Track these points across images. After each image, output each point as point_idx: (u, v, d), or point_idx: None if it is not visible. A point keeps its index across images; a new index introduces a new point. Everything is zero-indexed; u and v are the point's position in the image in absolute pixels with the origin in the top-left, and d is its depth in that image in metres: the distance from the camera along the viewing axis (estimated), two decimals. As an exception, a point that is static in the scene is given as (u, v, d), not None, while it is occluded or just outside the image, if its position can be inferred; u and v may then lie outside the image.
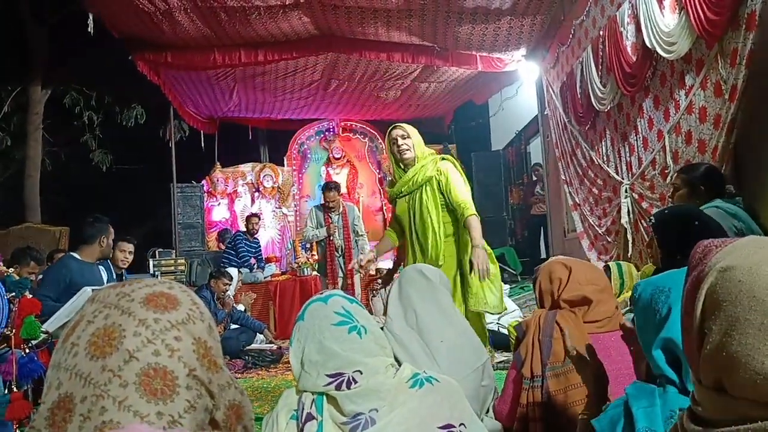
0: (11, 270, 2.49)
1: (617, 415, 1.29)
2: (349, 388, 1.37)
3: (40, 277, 4.45)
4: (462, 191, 3.42)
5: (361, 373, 1.39)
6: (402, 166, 3.53)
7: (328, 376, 1.38)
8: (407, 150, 3.45)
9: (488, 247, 3.42)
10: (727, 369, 0.69)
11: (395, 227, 3.65)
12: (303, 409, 1.38)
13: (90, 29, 5.90)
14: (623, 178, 5.11)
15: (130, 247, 4.51)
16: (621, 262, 4.28)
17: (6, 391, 2.09)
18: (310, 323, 1.46)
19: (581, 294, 2.09)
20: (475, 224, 3.30)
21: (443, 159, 3.54)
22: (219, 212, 10.53)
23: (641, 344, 1.37)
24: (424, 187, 3.42)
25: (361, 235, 6.48)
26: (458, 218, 3.41)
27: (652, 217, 2.51)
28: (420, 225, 3.41)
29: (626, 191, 4.98)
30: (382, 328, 2.21)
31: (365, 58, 7.60)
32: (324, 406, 1.37)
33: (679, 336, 1.09)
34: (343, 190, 9.87)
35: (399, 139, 3.45)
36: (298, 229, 10.80)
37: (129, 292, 0.77)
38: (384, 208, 10.61)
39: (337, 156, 11.03)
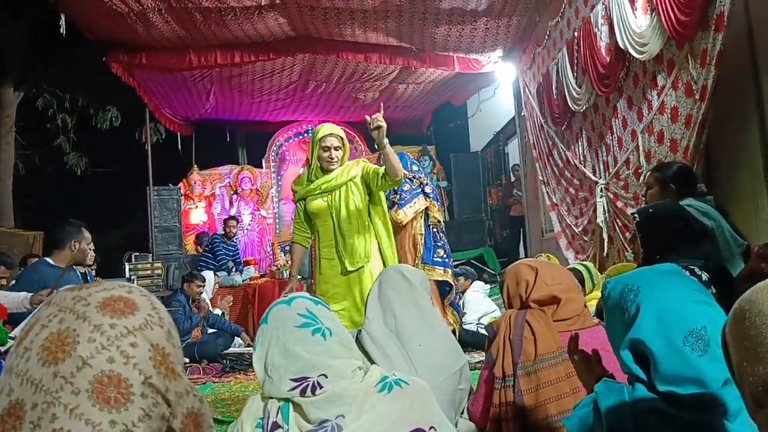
0: (-22, 275, 2.44)
1: (586, 414, 1.30)
2: (314, 393, 1.34)
3: (13, 282, 4.36)
4: None
5: (326, 377, 1.36)
6: (321, 169, 3.35)
7: (292, 380, 1.35)
8: (335, 162, 3.29)
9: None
10: None
11: (304, 227, 3.45)
12: (269, 417, 1.35)
13: (62, 30, 5.80)
14: (599, 178, 5.15)
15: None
16: (586, 263, 4.33)
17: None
18: (273, 326, 1.43)
19: (549, 293, 2.10)
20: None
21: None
22: (196, 215, 10.43)
23: (610, 341, 1.37)
24: (348, 185, 3.27)
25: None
26: (380, 186, 3.23)
27: (636, 215, 2.53)
28: (346, 223, 3.24)
29: (601, 191, 5.03)
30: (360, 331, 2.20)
31: (343, 59, 7.58)
32: (290, 413, 1.34)
33: (647, 336, 1.19)
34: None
35: (332, 150, 3.27)
36: (277, 231, 10.74)
37: (86, 296, 0.75)
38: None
39: (316, 157, 10.98)
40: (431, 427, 1.37)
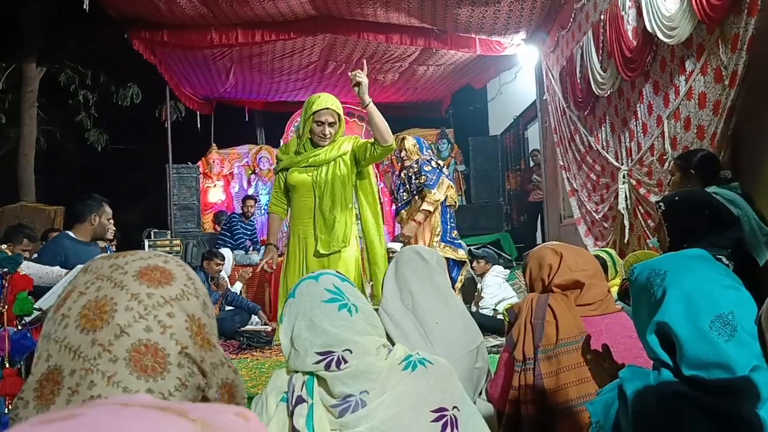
0: (4, 247, 2.47)
1: (611, 398, 1.29)
2: (338, 368, 1.35)
3: (35, 256, 4.43)
4: None
5: (351, 353, 1.36)
6: (311, 143, 3.14)
7: (317, 354, 1.36)
8: (327, 139, 3.09)
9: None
10: None
11: (281, 198, 3.25)
12: (293, 391, 1.36)
13: (86, 6, 5.82)
14: (621, 164, 5.09)
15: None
16: (609, 250, 4.29)
17: (-2, 368, 2.10)
18: (300, 300, 1.44)
19: (573, 279, 2.08)
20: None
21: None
22: (215, 194, 10.48)
23: (635, 326, 1.36)
24: (337, 161, 3.08)
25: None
26: (374, 156, 3.09)
27: (661, 203, 2.49)
28: (329, 201, 3.05)
29: (624, 177, 4.97)
30: (376, 310, 2.21)
31: (363, 40, 7.53)
32: (314, 387, 1.35)
33: (673, 320, 1.18)
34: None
35: (326, 126, 3.06)
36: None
37: (123, 264, 0.75)
38: (380, 191, 10.56)
39: (333, 139, 10.96)
40: (454, 407, 1.38)
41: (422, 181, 4.70)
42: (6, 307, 2.18)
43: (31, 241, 5.17)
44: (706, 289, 1.17)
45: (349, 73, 2.96)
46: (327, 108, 3.07)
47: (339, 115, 3.13)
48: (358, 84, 2.90)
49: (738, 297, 1.17)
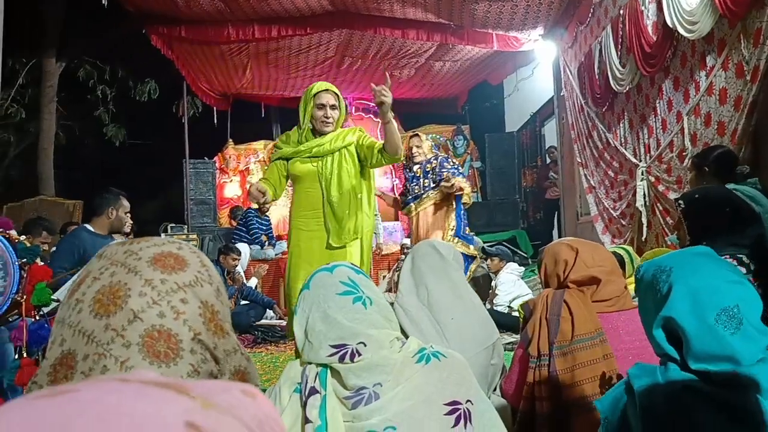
0: (23, 238, 2.50)
1: (619, 394, 1.29)
2: (352, 360, 1.34)
3: (53, 249, 4.48)
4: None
5: (365, 346, 1.35)
6: (312, 132, 3.07)
7: (331, 346, 1.35)
8: (330, 123, 3.00)
9: None
10: None
11: (273, 182, 3.10)
12: (306, 382, 1.36)
13: (104, 2, 5.86)
14: (640, 161, 5.03)
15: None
16: (626, 247, 4.24)
17: (16, 357, 2.11)
18: (314, 292, 1.43)
19: (589, 275, 2.06)
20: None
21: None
22: (231, 189, 10.54)
23: (642, 323, 1.35)
24: (342, 152, 3.00)
25: (375, 215, 6.45)
26: (375, 163, 3.03)
27: (680, 200, 2.45)
28: (336, 193, 2.98)
29: (642, 174, 4.91)
30: (392, 304, 2.20)
31: (380, 35, 7.51)
32: (328, 379, 1.35)
33: (679, 314, 1.18)
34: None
35: (328, 108, 2.97)
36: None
37: (137, 250, 0.75)
38: (395, 187, 10.56)
39: (349, 135, 10.95)
40: (468, 400, 1.37)
41: (444, 176, 4.69)
42: (24, 297, 2.20)
43: (49, 234, 5.24)
44: (712, 285, 1.18)
45: (373, 87, 2.81)
46: (327, 90, 3.00)
47: (338, 97, 3.06)
48: (382, 103, 2.78)
49: (743, 292, 1.18)
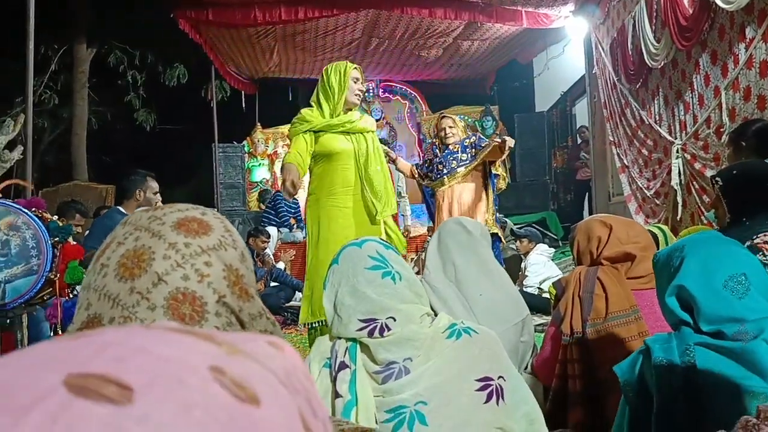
0: (55, 218, 2.54)
1: (636, 357, 1.35)
2: (382, 335, 1.32)
3: (87, 232, 4.56)
4: None
5: (395, 320, 1.34)
6: (342, 107, 3.13)
7: (360, 321, 1.34)
8: (361, 97, 3.19)
9: None
10: None
11: (305, 157, 3.07)
12: (336, 357, 1.35)
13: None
14: (675, 138, 4.90)
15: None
16: (661, 225, 4.12)
17: (52, 334, 2.16)
18: (344, 267, 1.41)
19: (623, 251, 2.00)
20: None
21: None
22: (260, 173, 10.61)
23: (660, 304, 1.36)
24: (368, 134, 3.13)
25: (404, 197, 6.41)
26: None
27: (718, 178, 2.37)
28: (374, 168, 3.07)
29: (677, 152, 4.78)
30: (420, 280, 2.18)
31: (407, 15, 7.42)
32: (357, 354, 1.34)
33: (690, 282, 1.26)
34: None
35: (360, 82, 3.15)
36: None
37: (160, 215, 0.75)
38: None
39: (376, 117, 10.92)
40: (500, 376, 1.34)
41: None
42: (58, 275, 2.23)
43: (83, 217, 5.34)
44: (720, 254, 1.28)
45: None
46: (356, 68, 3.16)
47: (362, 74, 3.23)
48: None
49: (750, 261, 1.28)
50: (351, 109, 3.14)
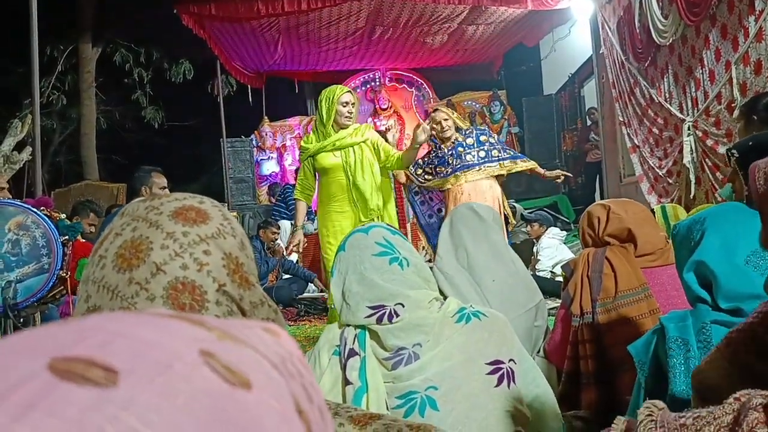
0: (63, 216, 2.55)
1: (650, 337, 1.34)
2: (390, 321, 1.32)
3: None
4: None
5: (403, 306, 1.33)
6: (334, 127, 3.53)
7: (368, 308, 1.33)
8: (351, 118, 3.50)
9: None
10: None
11: (309, 186, 3.68)
12: (345, 344, 1.34)
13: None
14: (686, 116, 4.83)
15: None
16: (666, 205, 4.06)
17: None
18: (350, 254, 1.41)
19: (624, 226, 1.99)
20: None
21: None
22: (268, 166, 10.61)
23: (679, 276, 1.34)
24: (361, 145, 3.49)
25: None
26: (386, 166, 3.59)
27: (734, 150, 2.33)
28: (361, 179, 3.45)
29: (689, 129, 4.71)
30: (431, 268, 2.17)
31: (410, 2, 7.37)
32: (366, 341, 1.33)
33: (710, 257, 1.22)
34: (391, 141, 9.76)
35: (349, 105, 3.49)
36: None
37: (158, 205, 0.74)
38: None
39: (383, 107, 10.87)
40: (510, 359, 1.33)
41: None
42: (69, 273, 2.25)
43: (97, 216, 5.37)
44: (743, 229, 1.23)
45: (422, 125, 3.55)
46: (348, 91, 3.57)
47: (356, 98, 3.66)
48: (420, 138, 3.45)
49: None
50: (343, 128, 3.52)
